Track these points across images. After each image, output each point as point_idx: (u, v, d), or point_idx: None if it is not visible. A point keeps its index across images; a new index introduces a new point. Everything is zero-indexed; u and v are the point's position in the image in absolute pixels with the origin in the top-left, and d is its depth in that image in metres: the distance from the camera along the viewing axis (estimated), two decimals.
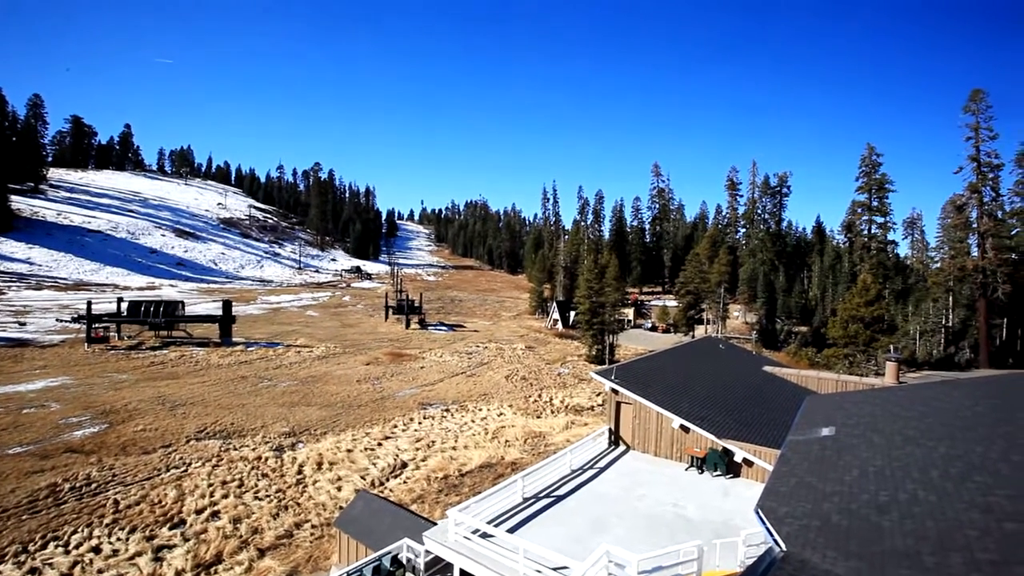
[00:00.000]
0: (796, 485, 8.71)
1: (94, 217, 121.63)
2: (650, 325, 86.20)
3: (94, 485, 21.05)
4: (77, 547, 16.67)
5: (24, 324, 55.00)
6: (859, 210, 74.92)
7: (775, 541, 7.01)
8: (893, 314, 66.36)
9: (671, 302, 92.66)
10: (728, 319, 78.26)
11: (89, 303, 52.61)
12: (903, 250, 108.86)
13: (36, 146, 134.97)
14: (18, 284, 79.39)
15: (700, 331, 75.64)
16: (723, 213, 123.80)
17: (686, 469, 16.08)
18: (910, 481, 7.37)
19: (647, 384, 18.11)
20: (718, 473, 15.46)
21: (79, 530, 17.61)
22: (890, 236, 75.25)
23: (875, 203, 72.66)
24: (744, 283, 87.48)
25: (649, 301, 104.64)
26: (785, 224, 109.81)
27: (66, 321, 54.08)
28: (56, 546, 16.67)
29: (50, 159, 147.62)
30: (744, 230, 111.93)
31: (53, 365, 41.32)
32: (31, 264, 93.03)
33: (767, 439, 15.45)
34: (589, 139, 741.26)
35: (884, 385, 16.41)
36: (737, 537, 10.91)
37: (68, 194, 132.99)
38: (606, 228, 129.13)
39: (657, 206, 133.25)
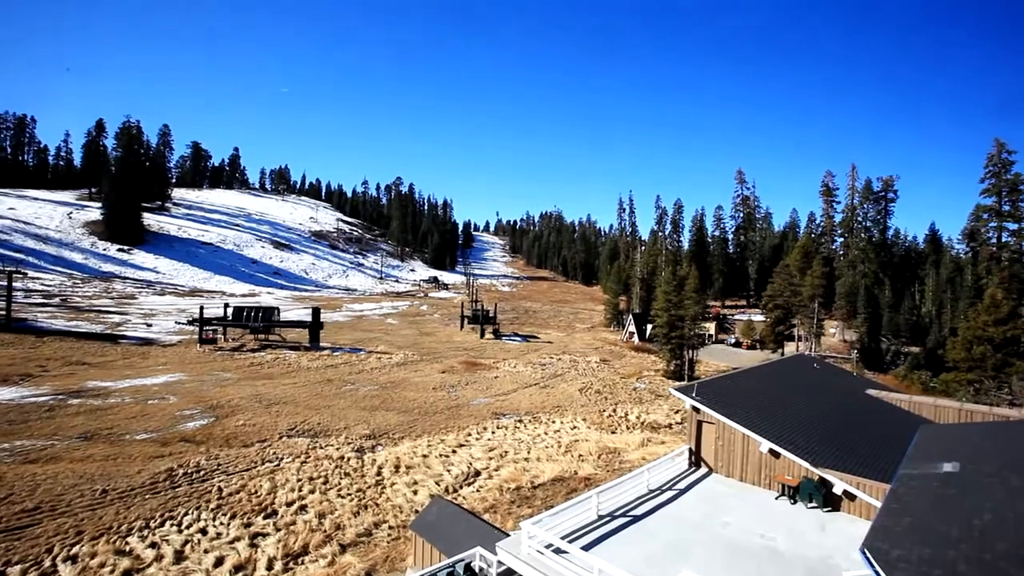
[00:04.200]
0: (911, 526, 7.72)
1: (207, 231, 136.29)
2: (733, 340, 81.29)
3: (202, 472, 23.27)
4: (188, 527, 18.45)
5: (151, 325, 62.50)
6: (985, 215, 66.24)
7: None
8: None
9: (757, 316, 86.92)
10: (823, 336, 71.94)
11: (201, 308, 58.84)
12: None
13: (164, 170, 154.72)
14: (147, 290, 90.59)
15: (790, 348, 70.13)
16: (817, 221, 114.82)
17: (776, 498, 14.84)
18: None
19: (732, 403, 17.01)
20: (813, 505, 14.10)
21: (190, 512, 19.51)
22: None
23: (1006, 207, 63.88)
24: (842, 297, 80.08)
25: (732, 315, 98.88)
26: (891, 232, 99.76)
27: (183, 323, 60.85)
28: (171, 525, 18.57)
29: (174, 180, 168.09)
30: (842, 239, 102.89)
31: (172, 362, 46.48)
32: (157, 272, 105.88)
33: (872, 471, 13.87)
34: (667, 147, 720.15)
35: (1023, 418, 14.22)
36: None
37: (187, 211, 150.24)
38: (685, 238, 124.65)
39: (741, 215, 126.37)
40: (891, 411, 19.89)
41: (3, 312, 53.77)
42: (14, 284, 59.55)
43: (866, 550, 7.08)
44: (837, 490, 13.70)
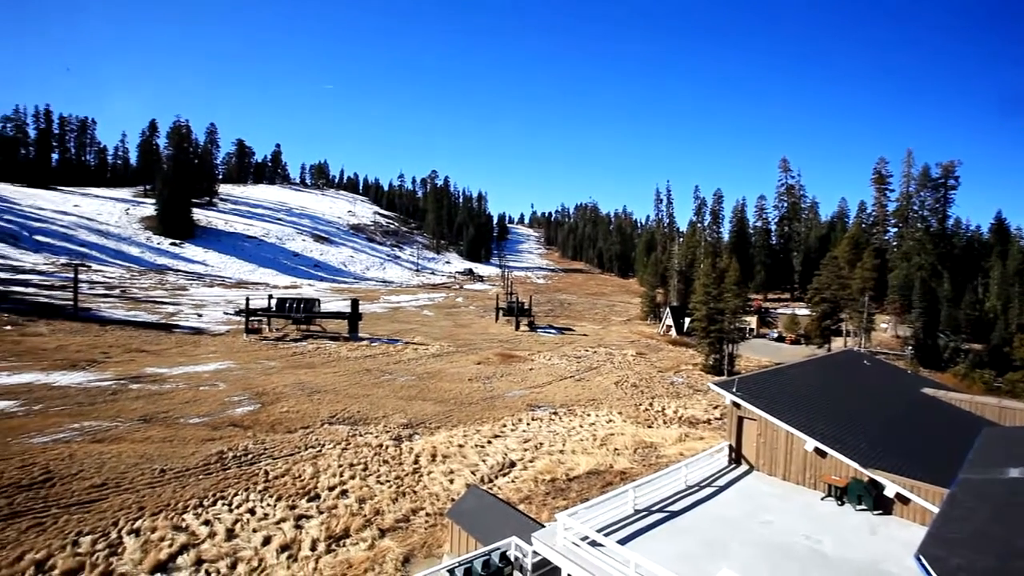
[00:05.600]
0: (973, 534, 7.30)
1: (251, 225, 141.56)
2: (776, 335, 78.65)
3: (250, 456, 24.37)
4: (238, 507, 19.41)
5: (201, 316, 65.67)
6: None
7: None
8: None
9: (801, 310, 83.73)
10: (874, 331, 68.70)
11: (247, 299, 61.37)
12: None
13: (211, 167, 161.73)
14: (197, 282, 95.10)
15: (838, 344, 67.27)
16: (868, 211, 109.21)
17: (822, 499, 14.29)
18: None
19: (774, 399, 16.46)
20: (863, 507, 13.50)
21: (239, 493, 20.50)
22: None
23: None
24: (895, 290, 76.03)
25: (775, 309, 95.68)
26: (951, 222, 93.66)
27: (230, 314, 63.75)
28: (223, 504, 19.57)
29: (220, 176, 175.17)
30: (895, 230, 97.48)
31: (221, 351, 48.72)
32: (206, 265, 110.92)
33: (929, 473, 13.15)
34: (707, 136, 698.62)
35: None
36: None
37: (233, 206, 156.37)
38: (725, 230, 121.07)
39: (785, 205, 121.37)
40: (949, 411, 18.82)
41: (72, 302, 57.65)
42: (79, 276, 63.64)
43: (922, 557, 6.74)
44: (889, 492, 13.07)
